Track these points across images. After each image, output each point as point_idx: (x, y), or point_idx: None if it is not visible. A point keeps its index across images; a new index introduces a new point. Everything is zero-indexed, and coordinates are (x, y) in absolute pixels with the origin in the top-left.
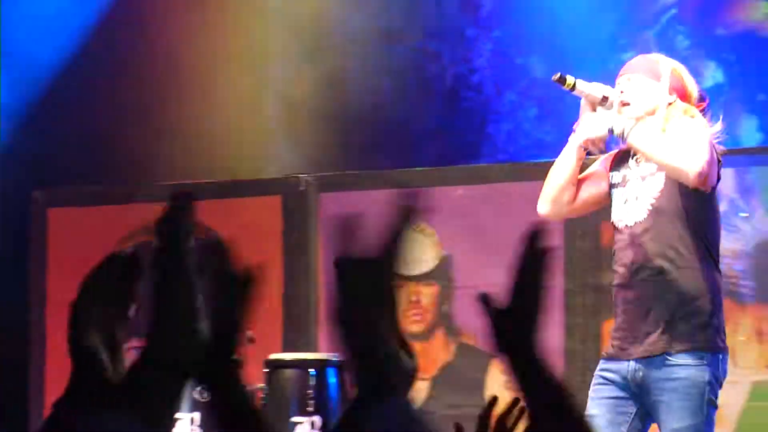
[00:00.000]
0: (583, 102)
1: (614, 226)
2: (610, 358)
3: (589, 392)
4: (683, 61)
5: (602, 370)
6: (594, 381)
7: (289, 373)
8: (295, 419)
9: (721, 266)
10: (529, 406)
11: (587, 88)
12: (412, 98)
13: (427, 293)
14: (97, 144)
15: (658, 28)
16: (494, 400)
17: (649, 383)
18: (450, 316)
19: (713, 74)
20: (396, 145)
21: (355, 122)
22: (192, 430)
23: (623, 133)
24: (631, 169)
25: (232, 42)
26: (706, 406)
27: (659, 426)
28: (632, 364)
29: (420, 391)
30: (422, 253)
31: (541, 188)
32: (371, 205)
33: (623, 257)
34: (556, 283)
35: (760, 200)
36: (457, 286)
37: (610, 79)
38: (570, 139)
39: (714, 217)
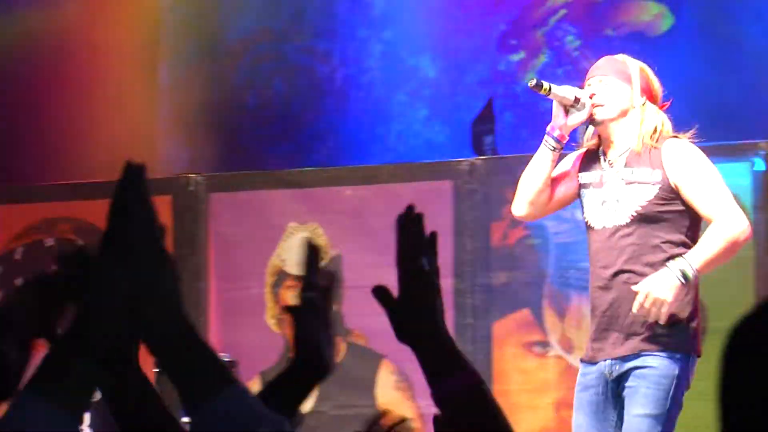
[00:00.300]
0: (555, 105)
1: (588, 225)
2: (589, 361)
3: (574, 399)
4: (573, 62)
5: (582, 374)
6: (576, 388)
7: None
8: (186, 419)
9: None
10: (443, 391)
11: (561, 92)
12: (303, 98)
13: None
14: None
15: (548, 29)
16: (383, 413)
17: (623, 373)
18: (340, 316)
19: None
20: (287, 146)
21: (245, 122)
22: (82, 429)
23: (695, 275)
24: (607, 171)
25: (123, 40)
26: (670, 400)
27: (625, 414)
28: (609, 362)
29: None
30: None
31: (431, 188)
32: (262, 205)
33: (602, 259)
34: (446, 284)
35: None
36: (347, 285)
37: (501, 80)
38: (544, 142)
39: (695, 223)
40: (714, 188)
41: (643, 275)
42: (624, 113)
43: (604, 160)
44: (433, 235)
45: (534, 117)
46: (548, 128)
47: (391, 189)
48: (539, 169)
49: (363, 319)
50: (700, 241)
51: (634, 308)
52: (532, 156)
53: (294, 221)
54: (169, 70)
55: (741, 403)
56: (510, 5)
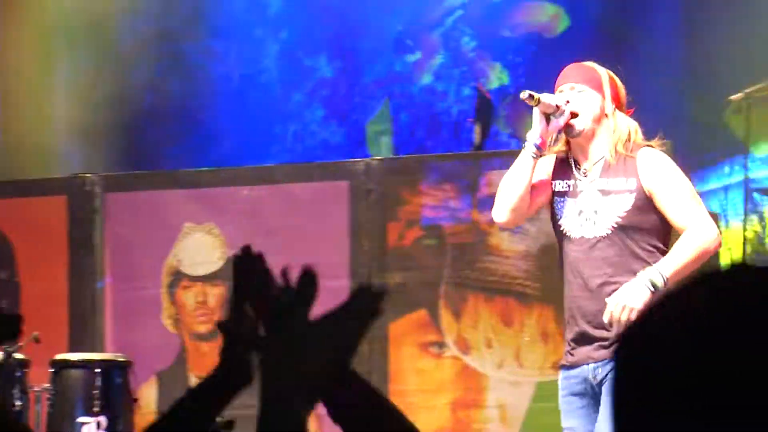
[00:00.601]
0: (537, 113)
1: (564, 234)
2: (571, 366)
3: (560, 405)
4: (469, 63)
5: (565, 378)
6: (561, 393)
7: (75, 373)
8: (81, 419)
9: (507, 268)
10: (337, 407)
11: (546, 100)
12: (200, 98)
13: (213, 293)
14: None
15: (444, 30)
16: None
17: (606, 376)
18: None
19: (499, 76)
20: (183, 145)
21: (142, 122)
22: None
23: (665, 283)
24: (582, 181)
25: (20, 40)
26: None
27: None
28: (591, 365)
29: None
30: (209, 254)
31: (327, 188)
32: (158, 205)
33: (584, 269)
34: (342, 284)
35: None
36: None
37: (397, 81)
38: (524, 148)
39: (668, 231)
40: (686, 198)
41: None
42: (597, 122)
43: (577, 169)
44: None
45: (429, 117)
46: (528, 135)
47: (287, 189)
48: (521, 175)
49: None
50: (672, 249)
51: (605, 318)
52: (429, 156)
53: (190, 221)
54: (65, 70)
55: (630, 401)
56: (406, 6)
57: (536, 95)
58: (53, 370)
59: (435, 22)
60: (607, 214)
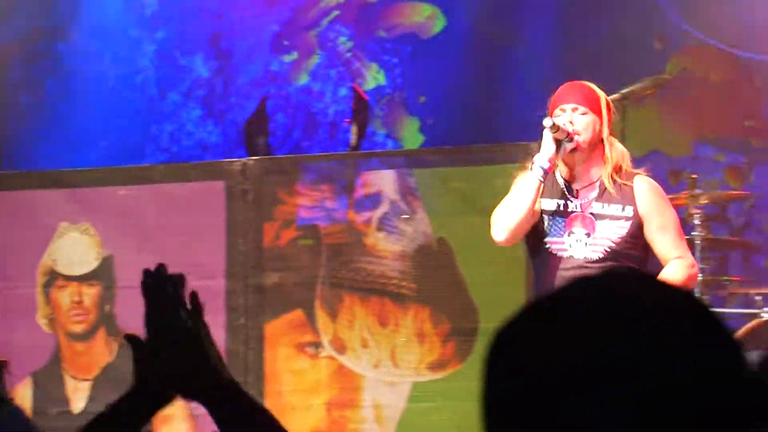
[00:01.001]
0: (549, 136)
1: (549, 252)
2: None
3: None
4: (346, 63)
5: None
6: None
7: None
8: None
9: (382, 268)
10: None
11: (563, 126)
12: (76, 98)
13: (89, 293)
14: None
15: (320, 30)
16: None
17: None
18: (112, 317)
19: (375, 76)
20: (60, 146)
21: (17, 122)
22: None
23: None
24: (573, 202)
25: None
26: None
27: None
28: None
29: (82, 391)
30: (84, 254)
31: (204, 188)
32: (33, 205)
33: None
34: (219, 284)
35: (421, 202)
36: (120, 286)
37: (274, 81)
38: (531, 170)
39: (648, 259)
40: (676, 232)
41: None
42: (594, 146)
43: (567, 190)
44: (194, 294)
45: (306, 118)
46: (537, 158)
47: (164, 189)
48: (527, 198)
49: (135, 319)
50: (665, 272)
51: None
52: (305, 156)
53: (65, 221)
54: None
55: (498, 405)
56: (283, 6)
57: (557, 123)
58: None
59: (311, 22)
60: (600, 239)
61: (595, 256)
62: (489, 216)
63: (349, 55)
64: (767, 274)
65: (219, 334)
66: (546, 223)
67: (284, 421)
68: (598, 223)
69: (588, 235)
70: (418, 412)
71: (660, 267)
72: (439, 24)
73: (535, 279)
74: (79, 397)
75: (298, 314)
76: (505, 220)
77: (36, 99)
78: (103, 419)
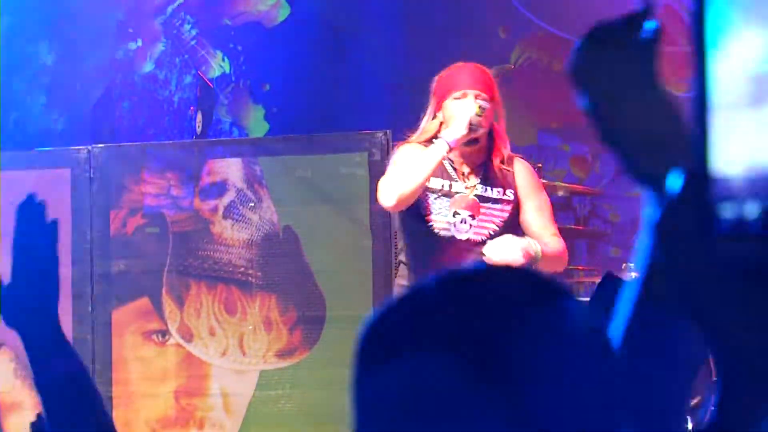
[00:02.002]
0: (465, 117)
1: (432, 231)
2: None
3: None
4: (191, 51)
5: None
6: None
7: None
8: None
9: (229, 256)
10: (44, 376)
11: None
12: None
13: None
14: None
15: (165, 17)
16: None
17: None
18: None
19: (220, 64)
20: None
21: None
22: None
23: (537, 256)
24: (458, 182)
25: None
26: None
27: None
28: None
29: None
30: None
31: (50, 175)
32: None
33: (448, 267)
34: (65, 272)
35: (268, 191)
36: None
37: (119, 68)
38: (436, 144)
39: None
40: (551, 213)
41: None
42: (487, 132)
43: (453, 169)
44: (55, 222)
45: (151, 105)
46: (446, 135)
47: (9, 176)
48: (424, 171)
49: None
50: (546, 242)
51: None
52: (150, 144)
53: None
54: None
55: (367, 402)
56: None
57: (484, 108)
58: None
59: (156, 10)
60: (484, 222)
61: (479, 239)
62: (334, 205)
63: (193, 42)
64: (613, 263)
65: (66, 322)
66: (430, 202)
67: (133, 409)
68: (483, 206)
69: (472, 217)
70: (267, 399)
71: None
72: (283, 12)
73: (410, 257)
74: None
75: (144, 302)
76: (399, 187)
77: None
78: None
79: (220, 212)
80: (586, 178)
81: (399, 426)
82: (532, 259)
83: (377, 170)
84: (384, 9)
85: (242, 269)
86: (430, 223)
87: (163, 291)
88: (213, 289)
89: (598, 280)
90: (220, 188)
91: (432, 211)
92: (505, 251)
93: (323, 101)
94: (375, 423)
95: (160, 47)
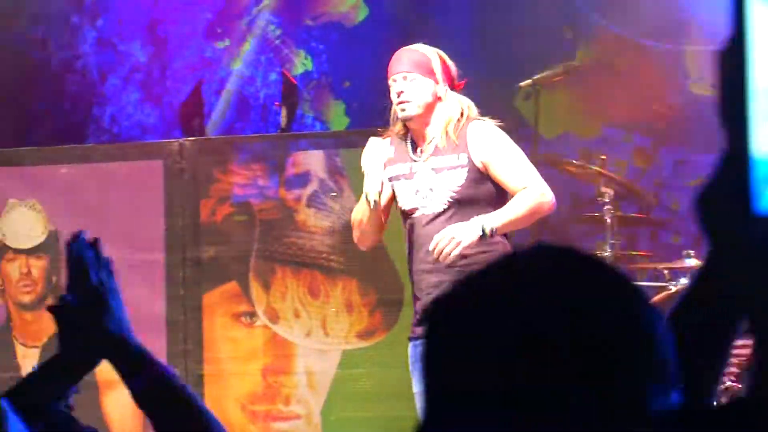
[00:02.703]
0: (376, 172)
1: (405, 213)
2: (418, 337)
3: (411, 372)
4: (275, 50)
5: (414, 347)
6: (410, 361)
7: None
8: None
9: (312, 243)
10: (135, 389)
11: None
12: (21, 82)
13: (36, 266)
14: None
15: (251, 18)
16: None
17: None
18: (58, 288)
19: (303, 62)
20: (7, 127)
21: None
22: None
23: (493, 230)
24: (418, 162)
25: None
26: None
27: None
28: None
29: (31, 357)
30: (32, 228)
31: (143, 167)
32: None
33: (424, 244)
34: (158, 258)
35: (348, 181)
36: (65, 259)
37: (208, 66)
38: (366, 203)
39: (507, 198)
40: (520, 163)
41: (465, 256)
42: (431, 107)
43: (414, 152)
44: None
45: (237, 101)
46: (368, 191)
47: (104, 168)
48: (372, 219)
49: None
50: (507, 204)
51: (431, 246)
52: (238, 137)
53: (13, 198)
54: None
55: (438, 375)
56: None
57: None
58: None
59: (243, 11)
60: (441, 191)
61: (440, 208)
62: None
63: (278, 42)
64: (674, 250)
65: (159, 304)
66: (397, 188)
67: (223, 386)
68: (438, 176)
69: (431, 190)
70: (348, 378)
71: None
72: (362, 13)
73: (406, 242)
74: (28, 363)
75: (233, 286)
76: (355, 233)
77: None
78: (31, 382)
79: (304, 201)
80: (648, 169)
81: (465, 409)
82: (485, 235)
83: None
84: (454, 11)
85: (325, 255)
86: (402, 208)
87: (251, 275)
88: (297, 274)
89: (659, 266)
90: (303, 179)
91: (399, 196)
92: (456, 233)
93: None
94: (442, 405)
95: (246, 46)
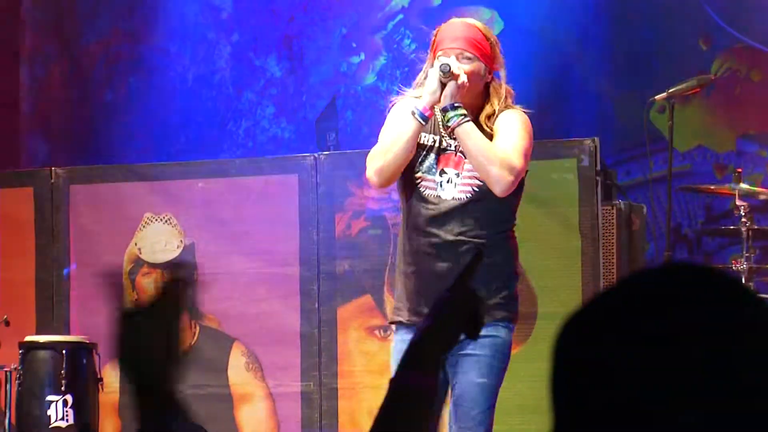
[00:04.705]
0: (434, 78)
1: (418, 189)
2: (412, 325)
3: (393, 360)
4: (410, 63)
5: (402, 341)
6: (396, 347)
7: (43, 354)
8: (49, 398)
9: None
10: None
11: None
12: (158, 97)
13: None
14: None
15: (386, 33)
16: None
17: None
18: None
19: None
20: (144, 141)
21: (104, 119)
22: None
23: (458, 121)
24: (446, 138)
25: None
26: (503, 371)
27: (453, 377)
28: None
29: None
30: (167, 242)
31: (278, 181)
32: (120, 196)
33: (432, 226)
34: (293, 271)
35: None
36: (201, 272)
37: (343, 81)
38: (413, 115)
39: (520, 195)
40: (514, 139)
41: (481, 245)
42: (477, 92)
43: (444, 127)
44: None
45: (373, 115)
46: (420, 103)
47: (240, 182)
48: (406, 144)
49: (215, 304)
50: (482, 141)
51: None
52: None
53: (149, 212)
54: (30, 68)
55: (568, 393)
56: (350, 10)
57: (453, 70)
58: (22, 351)
59: (377, 26)
60: (468, 178)
61: (463, 197)
62: (545, 208)
63: (413, 56)
64: None
65: (294, 318)
66: (419, 157)
67: (356, 400)
68: (466, 162)
69: (457, 175)
70: None
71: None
72: (497, 26)
73: (404, 218)
74: None
75: (367, 299)
76: (377, 163)
77: (120, 97)
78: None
79: None
80: None
81: (597, 420)
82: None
83: (586, 175)
84: (592, 26)
85: None
86: (417, 182)
87: (385, 289)
88: None
89: None
90: None
91: (420, 167)
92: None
93: (535, 110)
94: (574, 417)
95: (381, 60)
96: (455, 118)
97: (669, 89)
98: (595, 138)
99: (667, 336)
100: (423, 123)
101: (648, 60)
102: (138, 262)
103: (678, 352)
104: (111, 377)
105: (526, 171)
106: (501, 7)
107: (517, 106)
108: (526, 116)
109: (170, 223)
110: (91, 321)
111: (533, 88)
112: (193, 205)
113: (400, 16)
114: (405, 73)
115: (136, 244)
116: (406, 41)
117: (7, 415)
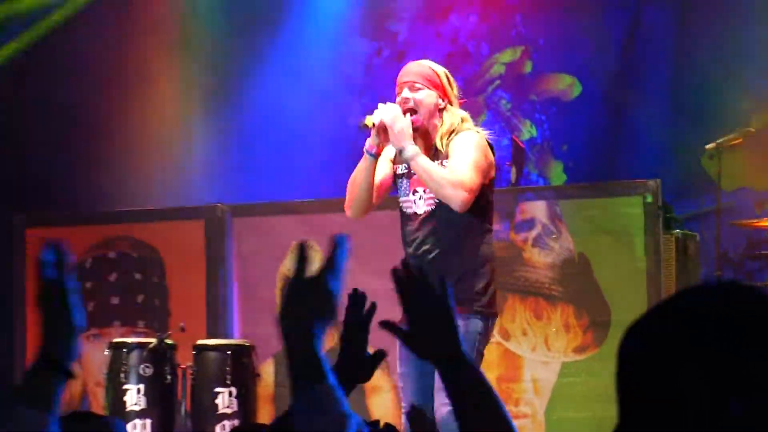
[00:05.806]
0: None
1: (402, 210)
2: None
3: (399, 352)
4: (507, 120)
5: None
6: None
7: (212, 354)
8: (217, 389)
9: (537, 275)
10: (453, 390)
11: (373, 120)
12: (301, 144)
13: None
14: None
15: (487, 95)
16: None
17: None
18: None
19: (529, 130)
20: (299, 179)
21: (264, 159)
22: (138, 398)
23: (413, 155)
24: None
25: (168, 95)
26: (476, 352)
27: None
28: None
29: None
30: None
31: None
32: (274, 227)
33: (412, 239)
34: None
35: (566, 226)
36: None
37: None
38: (364, 155)
39: (489, 200)
40: (466, 161)
41: (445, 251)
42: (433, 115)
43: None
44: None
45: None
46: (366, 147)
47: (373, 216)
48: (363, 178)
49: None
50: (434, 169)
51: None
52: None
53: (296, 240)
54: (204, 117)
55: (634, 397)
56: (457, 77)
57: (363, 122)
58: (195, 352)
59: (479, 89)
60: (430, 193)
61: (430, 209)
62: (616, 237)
63: (508, 113)
64: None
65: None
66: (399, 186)
67: None
68: None
69: (425, 191)
70: (566, 385)
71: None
72: (576, 90)
73: (401, 234)
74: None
75: None
76: (346, 199)
77: (269, 144)
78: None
79: (530, 242)
80: None
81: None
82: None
83: (650, 209)
84: (652, 84)
85: (547, 285)
86: (401, 204)
87: None
88: (524, 300)
89: None
90: (529, 224)
91: (401, 194)
92: (384, 112)
93: (607, 157)
94: (636, 412)
95: (483, 117)
96: (408, 153)
97: (717, 140)
98: (657, 179)
99: (718, 339)
100: (371, 159)
101: (701, 111)
102: (287, 281)
103: (726, 352)
104: (267, 373)
105: (484, 184)
106: (580, 74)
107: (472, 128)
108: (478, 135)
109: (314, 249)
110: (252, 329)
111: (606, 138)
112: (331, 235)
113: (498, 82)
114: (502, 127)
115: (286, 266)
116: (503, 101)
117: (183, 404)
